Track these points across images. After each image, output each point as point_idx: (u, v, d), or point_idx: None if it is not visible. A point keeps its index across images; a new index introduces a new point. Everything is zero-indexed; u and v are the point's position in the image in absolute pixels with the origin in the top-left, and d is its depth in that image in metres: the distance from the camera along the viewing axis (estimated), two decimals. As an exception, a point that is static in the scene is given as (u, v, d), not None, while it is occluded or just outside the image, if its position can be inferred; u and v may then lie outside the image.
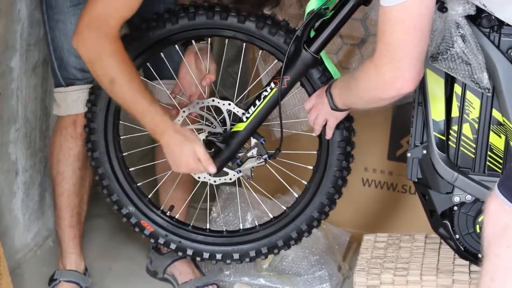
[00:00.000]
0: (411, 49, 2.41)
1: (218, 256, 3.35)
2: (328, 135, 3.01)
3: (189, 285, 3.55)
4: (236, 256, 3.33)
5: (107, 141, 3.24)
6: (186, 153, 3.07)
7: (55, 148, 3.37)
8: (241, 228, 3.43)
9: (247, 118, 3.10)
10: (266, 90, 3.08)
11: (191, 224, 3.38)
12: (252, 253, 3.31)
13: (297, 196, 3.34)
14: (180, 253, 3.44)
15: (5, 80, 3.32)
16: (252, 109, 3.10)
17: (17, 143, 3.47)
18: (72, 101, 3.28)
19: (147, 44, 3.19)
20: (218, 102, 3.20)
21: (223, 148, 3.15)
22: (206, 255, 3.36)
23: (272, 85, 3.06)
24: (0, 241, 3.11)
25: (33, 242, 3.66)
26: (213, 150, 3.17)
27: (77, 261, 3.46)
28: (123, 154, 3.32)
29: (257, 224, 3.39)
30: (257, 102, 3.09)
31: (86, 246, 3.60)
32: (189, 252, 3.39)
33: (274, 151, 3.21)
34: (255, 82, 3.40)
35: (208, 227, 3.43)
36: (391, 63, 2.45)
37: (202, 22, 3.17)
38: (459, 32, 2.71)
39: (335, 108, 2.88)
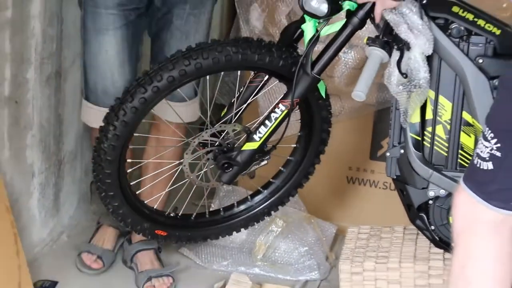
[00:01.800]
0: None
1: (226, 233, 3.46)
2: (377, 19, 2.83)
3: (144, 274, 3.53)
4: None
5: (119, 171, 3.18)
6: None
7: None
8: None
9: (260, 138, 3.09)
10: (275, 112, 3.07)
11: (193, 217, 3.42)
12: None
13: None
14: (192, 242, 3.53)
15: (21, 90, 3.32)
16: (263, 129, 3.08)
17: (33, 147, 3.47)
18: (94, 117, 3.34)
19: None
20: (225, 126, 3.18)
21: (237, 165, 3.13)
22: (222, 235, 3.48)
23: (282, 107, 3.04)
24: (19, 237, 3.14)
25: (49, 237, 3.65)
26: (225, 165, 3.15)
27: (108, 237, 3.59)
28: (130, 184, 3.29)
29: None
30: (268, 123, 3.07)
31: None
32: (200, 237, 3.47)
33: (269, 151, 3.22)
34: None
35: (208, 215, 3.45)
36: None
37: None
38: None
39: None
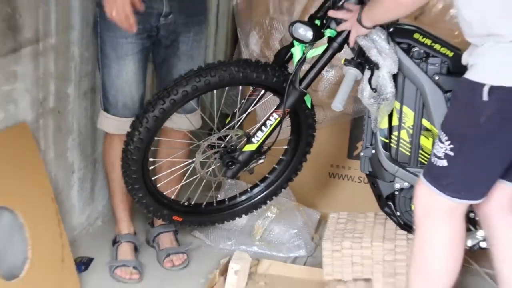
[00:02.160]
0: None
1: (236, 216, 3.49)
2: (351, 44, 2.87)
3: (164, 251, 3.52)
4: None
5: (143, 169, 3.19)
6: None
7: (105, 148, 3.44)
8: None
9: (257, 141, 3.09)
10: (270, 119, 3.07)
11: (203, 205, 3.41)
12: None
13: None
14: (202, 226, 3.58)
15: (63, 103, 3.33)
16: (260, 133, 3.08)
17: (73, 149, 3.48)
18: (112, 124, 3.34)
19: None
20: (229, 132, 3.19)
21: (239, 163, 3.14)
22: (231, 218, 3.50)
23: (276, 116, 3.05)
24: (62, 221, 3.14)
25: (86, 222, 3.67)
26: (229, 163, 3.15)
27: (128, 227, 3.51)
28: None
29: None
30: (264, 129, 3.08)
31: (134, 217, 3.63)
32: (209, 222, 3.51)
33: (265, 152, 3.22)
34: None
35: (215, 204, 3.48)
36: None
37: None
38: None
39: (359, 21, 2.75)
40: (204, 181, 3.32)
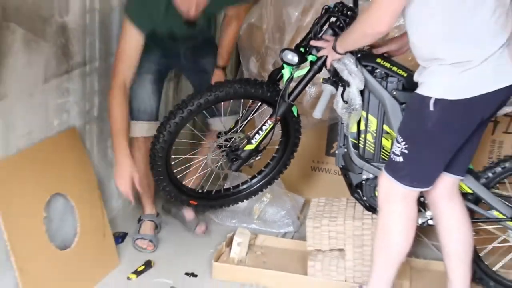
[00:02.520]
0: (389, 7, 2.30)
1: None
2: (328, 66, 2.82)
3: (193, 221, 3.55)
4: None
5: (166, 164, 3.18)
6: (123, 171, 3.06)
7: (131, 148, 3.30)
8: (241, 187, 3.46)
9: (255, 142, 3.09)
10: (265, 125, 3.05)
11: (213, 192, 3.41)
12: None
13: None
14: (212, 208, 3.59)
15: (104, 112, 3.27)
16: (258, 136, 3.08)
17: (111, 148, 3.36)
18: (138, 129, 3.31)
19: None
20: (234, 135, 3.17)
21: (241, 159, 3.13)
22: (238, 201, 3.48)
23: (270, 122, 3.03)
24: (104, 205, 3.17)
25: (122, 205, 3.63)
26: (233, 159, 3.15)
27: (150, 208, 3.48)
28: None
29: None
30: (260, 132, 3.07)
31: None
32: (217, 205, 3.49)
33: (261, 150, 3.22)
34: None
35: (222, 191, 3.47)
36: (377, 11, 2.33)
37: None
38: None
39: (334, 49, 2.72)
40: (214, 173, 3.31)
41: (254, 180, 3.46)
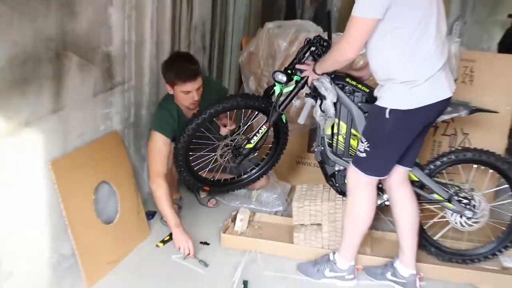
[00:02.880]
0: (358, 37, 2.30)
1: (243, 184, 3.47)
2: (309, 84, 2.83)
3: (203, 199, 3.59)
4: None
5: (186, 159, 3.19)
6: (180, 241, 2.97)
7: None
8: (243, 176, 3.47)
9: (254, 142, 3.11)
10: (261, 129, 3.08)
11: (222, 181, 3.43)
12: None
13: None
14: (221, 192, 3.57)
15: (139, 120, 3.31)
16: (255, 138, 3.10)
17: (144, 147, 3.40)
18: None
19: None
20: (237, 136, 3.18)
21: (242, 155, 3.15)
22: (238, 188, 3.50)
23: (264, 127, 3.06)
24: (138, 190, 3.17)
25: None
26: (237, 155, 3.17)
27: (174, 194, 3.44)
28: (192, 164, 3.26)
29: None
30: (258, 135, 3.10)
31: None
32: (225, 191, 3.50)
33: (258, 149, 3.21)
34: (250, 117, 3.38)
35: (229, 180, 3.47)
36: (346, 44, 2.34)
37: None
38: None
39: (314, 70, 2.73)
40: (222, 166, 3.31)
41: (253, 171, 3.48)
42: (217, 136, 3.28)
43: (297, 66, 2.90)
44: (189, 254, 2.92)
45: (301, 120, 2.95)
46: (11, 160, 2.22)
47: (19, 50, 2.13)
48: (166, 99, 3.24)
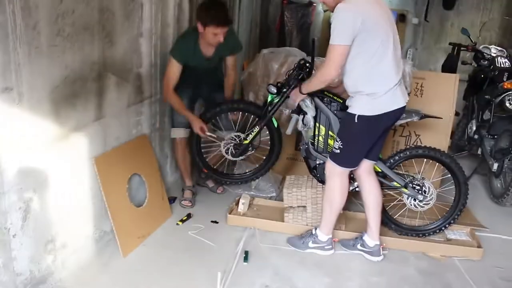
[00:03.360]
0: (337, 61, 2.32)
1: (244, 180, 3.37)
2: (296, 102, 2.78)
3: (215, 187, 3.50)
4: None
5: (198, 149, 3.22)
6: (196, 124, 3.03)
7: (175, 147, 3.28)
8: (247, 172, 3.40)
9: (249, 138, 3.07)
10: (256, 128, 3.04)
11: (219, 170, 3.38)
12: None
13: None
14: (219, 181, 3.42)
15: (163, 125, 3.30)
16: (250, 135, 3.06)
17: (167, 147, 3.41)
18: (176, 133, 3.21)
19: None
20: (237, 134, 3.15)
21: (240, 149, 3.11)
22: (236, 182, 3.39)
23: (257, 127, 3.03)
24: (163, 180, 3.15)
25: (173, 179, 3.57)
26: (236, 149, 3.13)
27: (189, 182, 3.37)
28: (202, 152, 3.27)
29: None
30: (252, 133, 3.05)
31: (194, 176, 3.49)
32: (224, 183, 3.41)
33: (255, 147, 3.19)
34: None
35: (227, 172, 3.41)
36: (328, 65, 2.33)
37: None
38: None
39: (300, 92, 2.70)
40: (224, 158, 3.24)
41: (247, 171, 3.41)
42: (221, 132, 3.26)
43: (289, 93, 2.86)
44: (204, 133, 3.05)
45: (289, 131, 2.95)
46: (64, 157, 2.25)
47: (70, 72, 2.17)
48: (189, 31, 3.06)
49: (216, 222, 3.10)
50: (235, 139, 3.17)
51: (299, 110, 2.87)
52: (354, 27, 2.25)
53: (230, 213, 3.14)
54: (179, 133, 3.22)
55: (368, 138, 2.54)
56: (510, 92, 3.66)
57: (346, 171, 2.64)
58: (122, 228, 2.64)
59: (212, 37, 2.87)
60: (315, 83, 2.56)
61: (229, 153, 3.17)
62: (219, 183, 3.48)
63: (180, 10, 3.37)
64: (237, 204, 3.26)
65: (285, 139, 3.53)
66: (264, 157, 3.35)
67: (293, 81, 2.84)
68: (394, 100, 2.44)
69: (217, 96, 3.28)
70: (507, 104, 3.62)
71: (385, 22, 2.34)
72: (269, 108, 2.99)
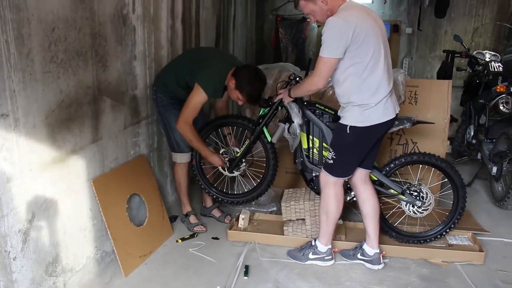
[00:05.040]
0: (324, 73, 2.34)
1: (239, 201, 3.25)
2: (285, 102, 2.79)
3: (222, 216, 3.36)
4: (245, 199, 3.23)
5: (200, 169, 3.23)
6: (215, 159, 3.03)
7: (176, 171, 3.22)
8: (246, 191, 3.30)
9: (240, 151, 3.08)
10: (247, 141, 3.05)
11: (219, 188, 3.32)
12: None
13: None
14: (219, 201, 3.29)
15: (160, 144, 3.33)
16: (242, 148, 3.07)
17: (166, 166, 3.44)
18: (181, 158, 3.15)
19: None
20: (233, 149, 3.15)
21: (233, 162, 3.10)
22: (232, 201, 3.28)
23: (248, 140, 3.04)
24: (162, 200, 3.15)
25: (173, 199, 3.59)
26: (229, 162, 3.12)
27: (189, 206, 3.30)
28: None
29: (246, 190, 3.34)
30: (243, 146, 3.06)
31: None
32: (226, 201, 3.27)
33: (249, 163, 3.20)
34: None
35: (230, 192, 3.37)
36: (316, 76, 2.36)
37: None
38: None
39: (289, 94, 2.72)
40: (218, 173, 3.23)
41: (239, 195, 3.29)
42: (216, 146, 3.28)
43: (274, 98, 2.91)
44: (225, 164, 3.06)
45: (274, 139, 2.98)
46: (62, 179, 2.29)
47: (65, 96, 2.22)
48: (220, 69, 2.89)
49: (217, 238, 3.13)
50: (228, 153, 3.18)
51: (286, 119, 2.91)
52: (346, 40, 2.28)
53: (230, 229, 3.16)
54: (185, 158, 3.17)
55: (361, 148, 2.57)
56: (503, 95, 3.69)
57: (340, 180, 2.67)
58: (123, 248, 2.66)
59: (235, 97, 2.89)
60: (302, 89, 2.60)
61: (225, 168, 3.16)
62: (219, 202, 3.34)
63: (173, 32, 3.45)
64: (237, 219, 3.27)
65: (285, 154, 3.56)
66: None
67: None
68: (385, 111, 2.47)
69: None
70: (501, 107, 3.65)
71: (376, 34, 2.37)
72: (260, 121, 3.02)
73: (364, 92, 2.42)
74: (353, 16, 2.29)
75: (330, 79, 2.49)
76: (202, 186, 3.29)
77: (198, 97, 2.83)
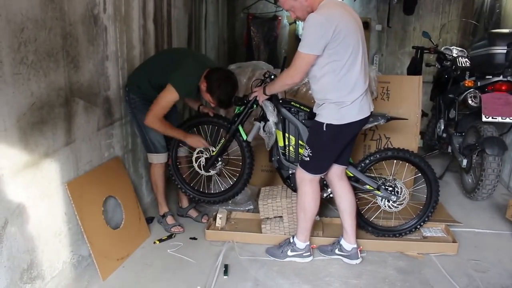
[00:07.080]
0: (301, 68, 2.35)
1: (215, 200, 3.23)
2: (260, 101, 2.78)
3: (199, 216, 3.34)
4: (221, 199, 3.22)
5: (176, 169, 3.21)
6: (195, 140, 3.02)
7: (152, 171, 3.17)
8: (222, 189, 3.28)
9: (215, 150, 3.05)
10: (222, 139, 3.05)
11: (195, 187, 3.30)
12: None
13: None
14: (197, 200, 3.27)
15: (135, 146, 3.29)
16: (217, 147, 3.06)
17: (141, 167, 3.40)
18: (157, 159, 3.11)
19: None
20: (211, 148, 3.10)
21: (209, 161, 3.08)
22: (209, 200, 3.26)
23: (223, 139, 3.05)
24: (138, 201, 3.12)
25: (150, 201, 3.57)
26: (206, 161, 3.10)
27: (166, 207, 3.26)
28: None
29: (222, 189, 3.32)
30: (219, 145, 3.05)
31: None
32: (203, 200, 3.25)
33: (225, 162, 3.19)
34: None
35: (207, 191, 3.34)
36: (293, 70, 2.37)
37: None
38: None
39: (264, 92, 2.73)
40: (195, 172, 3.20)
41: (215, 194, 3.28)
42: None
43: (249, 96, 2.91)
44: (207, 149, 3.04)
45: (250, 138, 2.98)
46: (35, 184, 2.25)
47: (36, 99, 2.17)
48: (194, 70, 2.88)
49: (195, 238, 3.12)
50: (206, 153, 3.15)
51: (261, 118, 2.92)
52: (326, 37, 2.28)
53: (208, 229, 3.14)
54: (161, 159, 3.14)
55: (337, 145, 2.60)
56: (471, 89, 3.79)
57: (316, 177, 2.69)
58: (100, 251, 2.63)
59: (207, 99, 2.91)
60: (278, 84, 2.59)
61: (201, 167, 3.14)
62: (195, 201, 3.35)
63: (145, 32, 3.42)
64: (215, 219, 3.27)
65: (261, 152, 3.57)
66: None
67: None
68: (361, 110, 2.51)
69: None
70: (469, 102, 3.75)
71: (356, 32, 2.37)
72: (235, 119, 3.02)
73: (341, 90, 2.44)
74: (335, 14, 2.29)
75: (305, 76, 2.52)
76: (179, 186, 3.27)
77: (170, 96, 2.81)
